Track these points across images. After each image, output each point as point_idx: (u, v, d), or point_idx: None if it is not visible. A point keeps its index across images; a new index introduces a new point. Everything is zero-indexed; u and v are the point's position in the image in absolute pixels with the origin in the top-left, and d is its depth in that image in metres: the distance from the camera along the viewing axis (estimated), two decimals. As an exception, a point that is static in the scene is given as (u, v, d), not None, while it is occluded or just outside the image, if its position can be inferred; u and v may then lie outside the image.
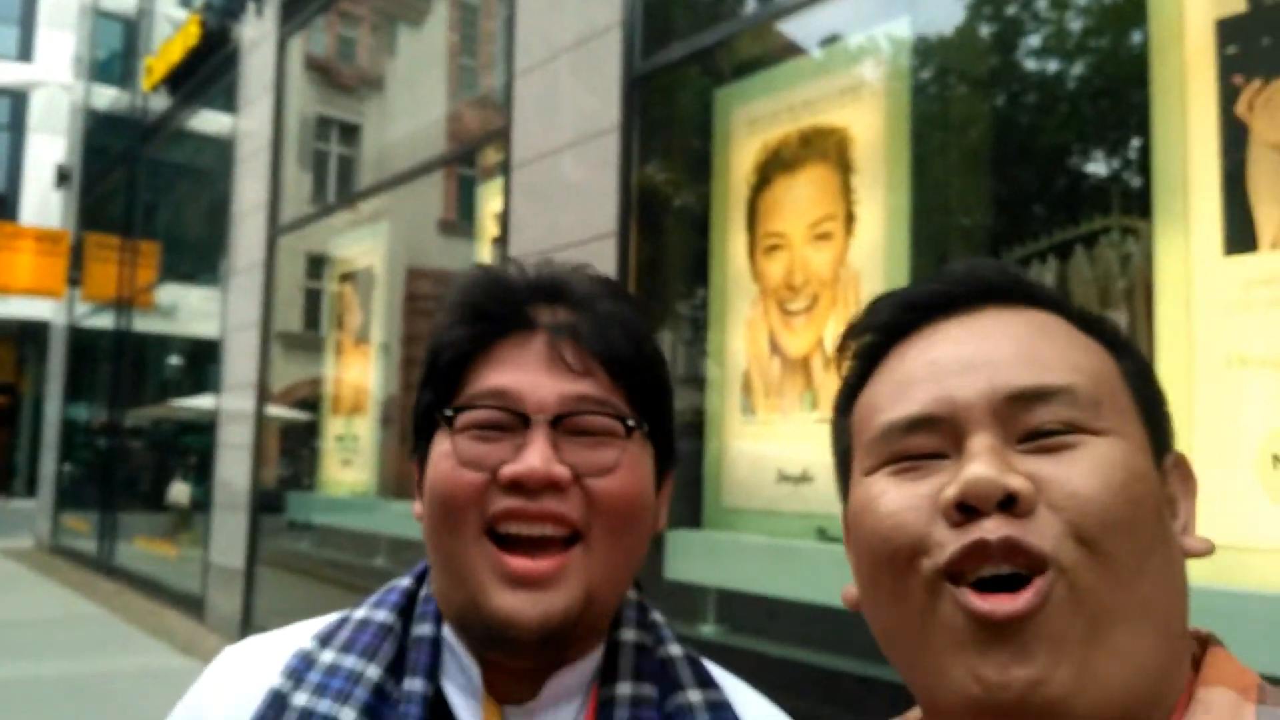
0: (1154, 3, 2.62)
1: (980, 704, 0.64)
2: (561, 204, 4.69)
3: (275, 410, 8.42)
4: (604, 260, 4.25)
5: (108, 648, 8.32)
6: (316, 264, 8.32)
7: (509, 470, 0.90)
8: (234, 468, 8.54)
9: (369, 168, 8.83)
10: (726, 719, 0.97)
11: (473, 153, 6.65)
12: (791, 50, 4.16)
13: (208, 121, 11.28)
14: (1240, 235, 2.29)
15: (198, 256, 11.71)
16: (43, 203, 19.15)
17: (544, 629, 0.89)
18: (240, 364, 8.62)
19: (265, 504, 8.17)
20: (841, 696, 3.27)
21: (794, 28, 4.18)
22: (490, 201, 5.82)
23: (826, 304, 3.56)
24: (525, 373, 0.94)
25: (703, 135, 4.22)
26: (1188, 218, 2.37)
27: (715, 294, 4.06)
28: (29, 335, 22.58)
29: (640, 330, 0.99)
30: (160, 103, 12.03)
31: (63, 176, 16.63)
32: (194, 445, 12.10)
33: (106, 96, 15.45)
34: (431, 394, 0.98)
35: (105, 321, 13.90)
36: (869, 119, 3.49)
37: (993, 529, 0.63)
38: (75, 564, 13.32)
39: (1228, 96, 2.36)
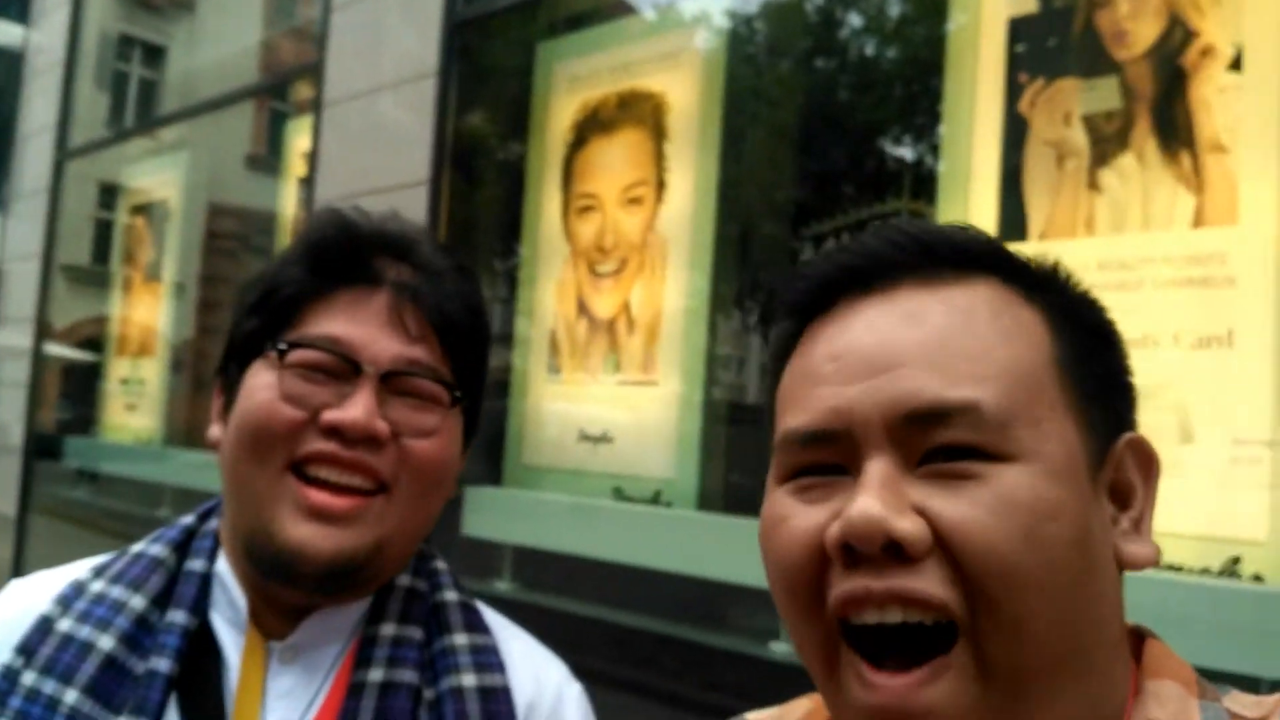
0: (957, -4, 2.73)
1: None
2: (373, 147, 4.53)
3: (56, 349, 7.86)
4: (414, 209, 4.13)
5: None
6: (109, 194, 7.75)
7: (331, 415, 0.93)
8: (8, 408, 7.94)
9: (173, 94, 8.30)
10: (488, 661, 1.02)
11: (283, 86, 6.33)
12: (618, 9, 4.13)
13: (-7, 29, 10.34)
14: (1013, 225, 2.43)
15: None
16: None
17: (333, 563, 0.92)
18: (19, 297, 7.99)
19: (43, 448, 7.65)
20: (636, 655, 3.33)
21: (620, -13, 4.16)
22: (299, 138, 5.55)
23: (634, 268, 3.58)
24: (364, 326, 0.97)
25: (523, 89, 4.15)
26: (967, 205, 2.50)
27: (528, 252, 4.02)
28: None
29: (477, 306, 1.05)
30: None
31: None
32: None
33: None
34: (259, 323, 0.99)
35: None
36: (686, 87, 3.51)
37: (876, 579, 0.59)
38: None
39: (1013, 93, 2.50)
